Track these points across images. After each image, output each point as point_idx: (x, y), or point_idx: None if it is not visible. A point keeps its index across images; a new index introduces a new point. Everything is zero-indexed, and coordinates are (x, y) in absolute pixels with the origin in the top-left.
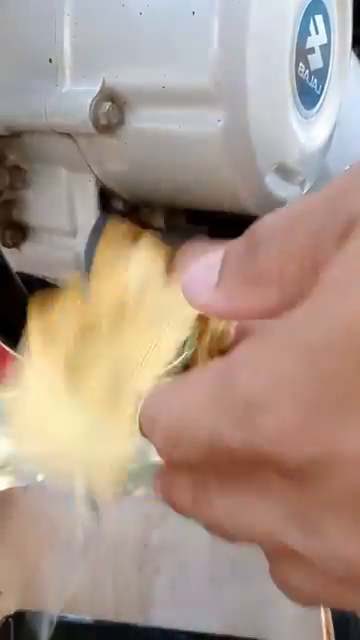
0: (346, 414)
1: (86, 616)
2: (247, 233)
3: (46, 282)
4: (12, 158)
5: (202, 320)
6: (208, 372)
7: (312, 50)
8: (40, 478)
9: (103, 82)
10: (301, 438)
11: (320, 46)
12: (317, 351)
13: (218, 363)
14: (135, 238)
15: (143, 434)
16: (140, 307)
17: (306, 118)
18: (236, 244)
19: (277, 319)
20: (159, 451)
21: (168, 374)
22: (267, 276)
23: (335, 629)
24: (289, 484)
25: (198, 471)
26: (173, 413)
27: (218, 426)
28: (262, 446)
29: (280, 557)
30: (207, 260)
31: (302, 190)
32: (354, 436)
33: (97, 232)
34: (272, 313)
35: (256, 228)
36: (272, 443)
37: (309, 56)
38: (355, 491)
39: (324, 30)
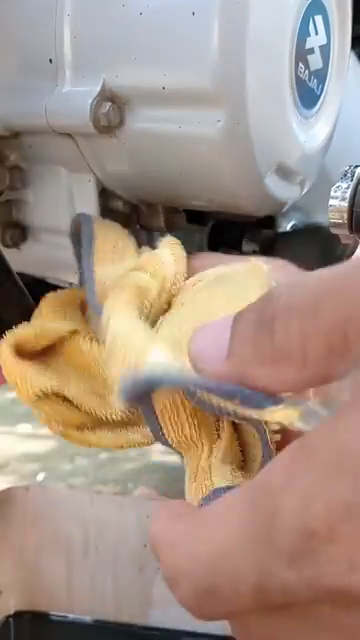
0: None
1: (86, 616)
2: (258, 304)
3: (46, 282)
4: (12, 158)
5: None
6: (237, 503)
7: (312, 50)
8: (40, 478)
9: (103, 82)
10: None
11: (320, 46)
12: None
13: (246, 490)
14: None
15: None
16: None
17: (306, 118)
18: (246, 314)
19: (318, 434)
20: (187, 607)
21: None
22: (286, 353)
23: None
24: (344, 614)
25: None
26: (202, 561)
27: (268, 566)
28: (328, 579)
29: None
30: (215, 329)
31: (302, 190)
32: None
33: (86, 233)
34: (290, 390)
35: (269, 300)
36: (341, 575)
37: (309, 56)
38: None
39: (324, 31)
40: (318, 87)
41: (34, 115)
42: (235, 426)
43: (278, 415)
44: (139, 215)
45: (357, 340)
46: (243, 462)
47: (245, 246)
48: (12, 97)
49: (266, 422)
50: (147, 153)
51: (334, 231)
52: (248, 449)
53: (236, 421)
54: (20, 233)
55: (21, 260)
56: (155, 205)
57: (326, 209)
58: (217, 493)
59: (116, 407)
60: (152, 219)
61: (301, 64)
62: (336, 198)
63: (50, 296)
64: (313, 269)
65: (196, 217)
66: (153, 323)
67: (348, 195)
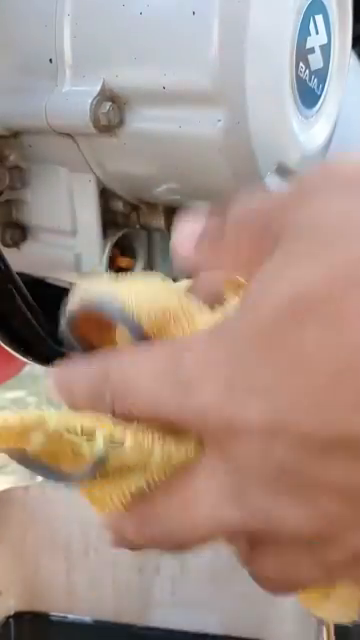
0: (250, 394)
1: (86, 616)
2: (222, 213)
3: (46, 282)
4: (12, 158)
5: None
6: (164, 348)
7: (312, 50)
8: (40, 478)
9: (103, 82)
10: (216, 413)
11: (320, 46)
12: (236, 344)
13: (173, 344)
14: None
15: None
16: None
17: (306, 118)
18: (213, 219)
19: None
20: (99, 401)
21: None
22: (227, 246)
23: (335, 629)
24: (217, 459)
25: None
26: (126, 372)
27: (160, 395)
28: (189, 416)
29: (243, 546)
30: (193, 226)
31: None
32: (255, 410)
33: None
34: (229, 270)
35: (229, 211)
36: (197, 414)
37: (309, 56)
38: (259, 454)
39: (324, 30)
40: (318, 87)
41: (34, 115)
42: None
43: None
44: (139, 215)
45: (270, 241)
46: None
47: None
48: (12, 97)
49: None
50: (147, 153)
51: None
52: None
53: None
54: (20, 233)
55: (21, 260)
56: (155, 205)
57: None
58: None
59: None
60: (152, 219)
61: (301, 64)
62: None
63: None
64: None
65: None
66: None
67: None
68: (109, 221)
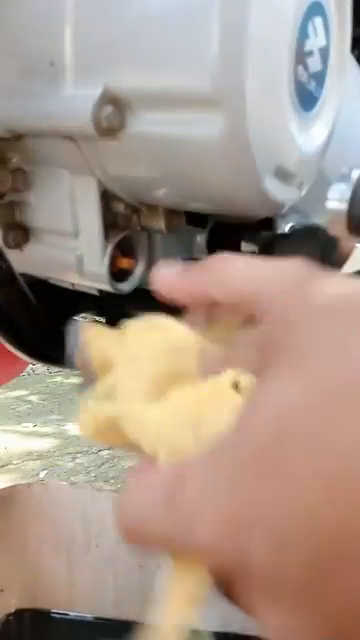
0: (251, 526)
1: (87, 613)
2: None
3: (48, 283)
4: (15, 160)
5: None
6: (162, 477)
7: (311, 53)
8: (42, 475)
9: (104, 85)
10: (216, 552)
11: (319, 49)
12: (235, 471)
13: (170, 471)
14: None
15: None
16: None
17: (304, 120)
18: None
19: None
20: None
21: None
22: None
23: None
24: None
25: None
26: (129, 512)
27: (166, 529)
28: (194, 551)
29: None
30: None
31: (300, 192)
32: (257, 544)
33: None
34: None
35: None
36: (202, 547)
37: (308, 59)
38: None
39: (323, 33)
40: (317, 89)
41: (36, 118)
42: None
43: None
44: (140, 216)
45: None
46: None
47: (244, 247)
48: (14, 100)
49: None
50: (148, 155)
51: (332, 232)
52: None
53: None
54: (23, 234)
55: (24, 261)
56: (156, 207)
57: (324, 211)
58: None
59: None
60: (153, 220)
61: (300, 66)
62: (334, 199)
63: None
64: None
65: (196, 219)
66: None
67: (346, 197)
68: (110, 223)
